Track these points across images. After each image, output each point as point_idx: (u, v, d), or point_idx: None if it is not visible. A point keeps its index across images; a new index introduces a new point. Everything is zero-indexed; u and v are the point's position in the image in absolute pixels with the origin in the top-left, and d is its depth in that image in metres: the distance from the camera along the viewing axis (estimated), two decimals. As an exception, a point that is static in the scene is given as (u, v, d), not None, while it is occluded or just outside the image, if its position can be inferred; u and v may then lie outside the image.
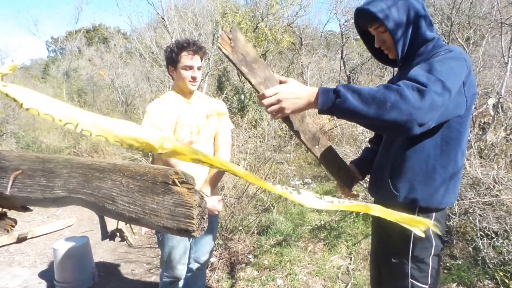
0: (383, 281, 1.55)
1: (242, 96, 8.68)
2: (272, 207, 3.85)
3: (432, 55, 1.27)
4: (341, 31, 9.19)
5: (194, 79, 1.95)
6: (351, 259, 3.10)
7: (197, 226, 0.73)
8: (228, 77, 9.36)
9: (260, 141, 6.12)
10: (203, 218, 0.75)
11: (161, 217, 0.75)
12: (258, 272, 3.04)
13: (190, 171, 1.90)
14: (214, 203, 1.97)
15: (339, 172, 1.54)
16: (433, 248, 1.36)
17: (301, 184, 5.07)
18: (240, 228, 3.50)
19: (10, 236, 4.17)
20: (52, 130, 7.76)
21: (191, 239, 2.10)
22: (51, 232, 4.34)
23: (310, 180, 5.23)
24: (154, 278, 3.12)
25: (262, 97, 1.13)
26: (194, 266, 2.27)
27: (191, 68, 1.93)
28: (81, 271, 3.05)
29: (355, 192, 1.64)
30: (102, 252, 3.77)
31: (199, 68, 1.97)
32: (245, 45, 1.09)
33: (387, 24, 1.28)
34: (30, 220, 4.88)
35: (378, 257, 1.59)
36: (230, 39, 1.05)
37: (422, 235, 1.23)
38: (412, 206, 1.35)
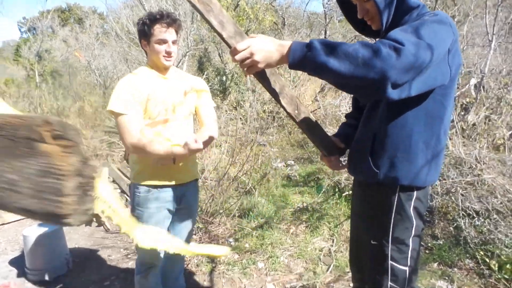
0: (362, 264, 1.49)
1: (224, 78, 8.48)
2: (254, 190, 3.77)
3: (416, 20, 1.18)
4: (324, 10, 9.02)
5: (168, 54, 1.79)
6: (333, 241, 3.07)
7: (74, 208, 0.46)
8: (209, 57, 9.12)
9: (242, 123, 6.00)
10: (87, 195, 0.48)
11: (22, 194, 0.48)
12: (239, 255, 2.97)
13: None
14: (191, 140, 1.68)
15: (322, 141, 1.47)
16: (413, 228, 1.30)
17: (284, 166, 5.00)
18: (221, 211, 3.41)
19: (-22, 223, 3.97)
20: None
21: (169, 220, 1.98)
22: (23, 219, 4.15)
23: (292, 162, 5.17)
24: (131, 264, 3.01)
25: (234, 51, 1.08)
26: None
27: (165, 42, 1.78)
28: (54, 258, 2.91)
29: (343, 162, 1.56)
30: (78, 237, 3.63)
31: (174, 42, 1.81)
32: None
33: None
34: (1, 207, 4.67)
35: (357, 240, 1.53)
36: None
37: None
38: (393, 185, 1.28)
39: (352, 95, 1.68)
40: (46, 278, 2.86)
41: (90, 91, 10.29)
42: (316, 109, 6.89)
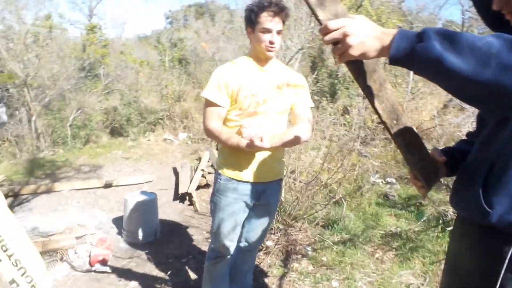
0: None
1: (336, 81, 8.20)
2: (343, 201, 3.52)
3: None
4: (462, 18, 7.93)
5: (272, 43, 1.73)
6: (425, 279, 2.65)
7: None
8: (323, 59, 8.92)
9: (346, 130, 5.70)
10: None
11: None
12: (313, 267, 2.80)
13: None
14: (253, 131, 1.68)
15: (420, 163, 1.18)
16: None
17: (382, 182, 4.57)
18: (305, 216, 3.27)
19: (99, 180, 4.63)
20: (151, 93, 8.40)
21: (245, 214, 1.95)
22: (133, 184, 4.69)
23: (394, 180, 4.68)
24: (209, 248, 3.11)
25: (325, 29, 0.88)
26: (244, 245, 2.13)
27: (269, 31, 1.72)
28: (145, 225, 3.20)
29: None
30: (170, 211, 3.93)
31: (278, 33, 1.75)
32: None
33: None
34: (119, 170, 5.36)
35: (449, 283, 1.23)
36: None
37: None
38: (509, 231, 0.96)
39: (478, 113, 1.32)
40: (137, 241, 3.16)
41: (210, 80, 11.11)
42: (431, 127, 6.13)
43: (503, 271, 0.98)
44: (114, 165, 5.61)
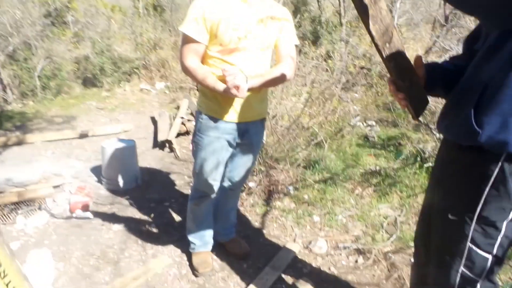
0: (432, 240, 1.23)
1: (319, 27, 7.93)
2: (324, 143, 3.52)
3: None
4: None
5: None
6: (401, 211, 2.74)
7: None
8: (306, 2, 8.56)
9: (328, 75, 5.60)
10: None
11: None
12: (295, 205, 2.85)
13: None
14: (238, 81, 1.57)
15: (410, 89, 1.14)
16: (510, 213, 1.00)
17: (362, 125, 4.59)
18: (286, 158, 3.27)
19: (74, 131, 4.47)
20: (125, 41, 7.95)
21: (227, 153, 1.90)
22: (110, 134, 4.55)
23: (373, 123, 4.71)
24: (191, 191, 3.10)
25: None
26: (227, 184, 2.12)
27: None
28: (125, 172, 3.14)
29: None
30: (150, 159, 3.86)
31: None
32: None
33: None
34: (94, 121, 5.18)
35: (431, 210, 1.25)
36: None
37: None
38: (498, 150, 0.96)
39: (467, 37, 1.25)
40: (117, 188, 3.11)
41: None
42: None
43: (487, 188, 0.99)
44: (89, 116, 5.41)
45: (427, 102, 1.23)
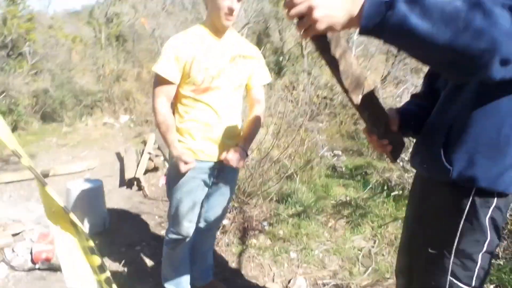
0: (413, 274, 1.26)
1: (281, 58, 8.23)
2: (295, 175, 3.59)
3: None
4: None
5: (231, 11, 1.61)
6: (374, 242, 2.82)
7: None
8: (269, 34, 8.88)
9: (293, 106, 5.77)
10: None
11: None
12: (271, 241, 2.84)
13: (204, 122, 1.69)
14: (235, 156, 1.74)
15: (386, 134, 1.19)
16: (486, 243, 1.05)
17: (330, 155, 4.74)
18: (259, 192, 3.28)
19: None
20: (87, 73, 7.78)
21: (203, 193, 1.89)
22: (73, 173, 4.36)
23: (340, 153, 4.88)
24: (164, 232, 2.99)
25: (290, 3, 0.81)
26: (203, 225, 2.08)
27: None
28: (92, 215, 2.99)
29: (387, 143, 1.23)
30: (117, 198, 3.72)
31: (239, 0, 1.64)
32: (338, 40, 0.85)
33: None
34: (56, 159, 4.94)
35: (410, 246, 1.29)
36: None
37: None
38: (468, 186, 1.02)
39: (427, 75, 1.36)
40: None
41: (150, 59, 10.54)
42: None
43: (462, 222, 1.04)
44: (49, 154, 5.16)
45: (404, 144, 1.29)
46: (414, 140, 1.29)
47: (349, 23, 0.82)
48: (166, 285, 2.10)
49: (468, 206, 1.04)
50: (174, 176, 1.82)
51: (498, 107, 0.95)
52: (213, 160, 1.80)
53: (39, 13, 8.39)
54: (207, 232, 2.14)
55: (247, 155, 1.84)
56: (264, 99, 1.91)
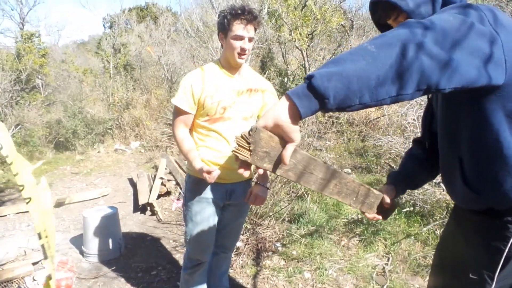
0: None
1: (286, 79, 8.39)
2: (306, 195, 3.63)
3: None
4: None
5: (243, 51, 1.75)
6: (388, 260, 2.82)
7: None
8: (272, 57, 9.08)
9: (300, 126, 5.85)
10: None
11: None
12: (285, 262, 2.86)
13: (216, 149, 1.78)
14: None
15: (381, 210, 1.25)
16: None
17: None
18: (271, 214, 3.32)
19: (49, 200, 4.33)
20: (97, 102, 8.01)
21: (215, 215, 1.95)
22: (87, 200, 4.45)
23: (349, 170, 4.91)
24: (179, 256, 3.05)
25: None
26: (219, 249, 2.13)
27: (242, 38, 1.74)
28: (108, 241, 3.05)
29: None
30: (132, 224, 3.78)
31: (250, 40, 1.77)
32: (269, 141, 0.83)
33: (407, 8, 1.05)
34: (70, 187, 5.05)
35: (448, 267, 1.26)
36: (249, 144, 0.80)
37: None
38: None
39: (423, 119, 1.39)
40: (101, 259, 3.01)
41: (158, 85, 10.82)
42: (379, 117, 6.52)
43: (508, 248, 1.02)
44: (64, 182, 5.28)
45: (396, 207, 1.34)
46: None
47: (291, 114, 0.77)
48: None
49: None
50: (190, 200, 1.90)
51: (490, 123, 0.96)
52: (226, 182, 1.88)
53: (50, 48, 8.73)
54: (222, 255, 2.19)
55: (267, 189, 1.93)
56: None
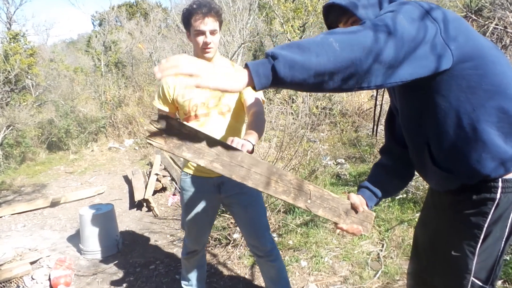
0: (429, 273, 1.26)
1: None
2: (301, 186, 3.65)
3: None
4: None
5: (206, 45, 1.72)
6: (382, 246, 2.87)
7: None
8: (264, 51, 9.09)
9: (293, 118, 5.88)
10: None
11: None
12: (281, 251, 2.90)
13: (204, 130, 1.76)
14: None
15: (333, 213, 1.25)
16: (504, 239, 1.08)
17: (333, 164, 4.82)
18: (266, 205, 3.35)
19: (45, 200, 4.33)
20: (89, 101, 7.96)
21: (214, 208, 2.01)
22: (83, 199, 4.45)
23: (343, 161, 4.96)
24: (176, 250, 3.07)
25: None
26: (253, 250, 2.03)
27: (202, 33, 1.70)
28: (105, 238, 3.07)
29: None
30: (128, 220, 3.80)
31: (212, 33, 1.72)
32: (181, 128, 0.85)
33: (358, 13, 1.09)
34: (65, 186, 5.05)
35: (430, 246, 1.28)
36: (160, 130, 0.82)
37: None
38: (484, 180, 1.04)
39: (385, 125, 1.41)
40: (98, 256, 3.03)
41: (150, 82, 10.78)
42: (372, 107, 6.56)
43: (487, 221, 1.06)
44: (58, 182, 5.26)
45: (373, 215, 1.34)
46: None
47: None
48: (182, 283, 2.19)
49: (493, 205, 1.03)
50: (182, 193, 1.95)
51: (450, 104, 1.01)
52: (211, 176, 1.86)
53: (39, 47, 8.64)
54: (259, 259, 2.05)
55: (253, 145, 1.73)
56: (261, 103, 1.86)
